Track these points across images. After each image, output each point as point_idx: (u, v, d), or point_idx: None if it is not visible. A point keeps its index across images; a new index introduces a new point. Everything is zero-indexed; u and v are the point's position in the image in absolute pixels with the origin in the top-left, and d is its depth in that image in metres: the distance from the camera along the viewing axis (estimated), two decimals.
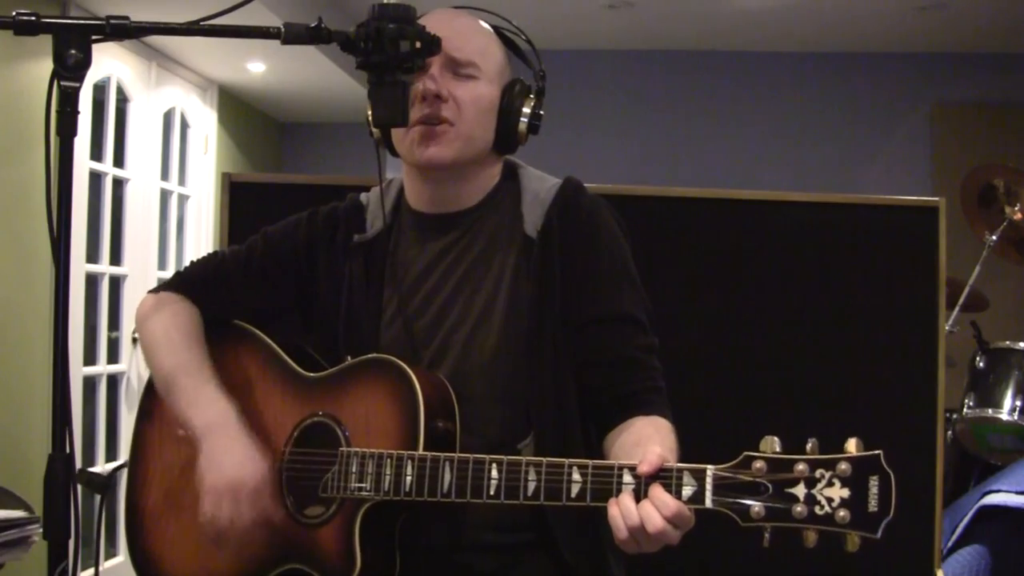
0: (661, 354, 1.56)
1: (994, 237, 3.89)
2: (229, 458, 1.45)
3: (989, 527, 2.69)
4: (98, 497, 2.27)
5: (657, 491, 1.22)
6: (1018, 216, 3.92)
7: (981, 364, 3.68)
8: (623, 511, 1.23)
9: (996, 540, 2.67)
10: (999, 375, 3.62)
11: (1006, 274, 4.56)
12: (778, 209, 2.32)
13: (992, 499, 2.70)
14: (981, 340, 3.76)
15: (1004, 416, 3.54)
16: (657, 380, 1.52)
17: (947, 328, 3.39)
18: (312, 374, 1.55)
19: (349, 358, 1.52)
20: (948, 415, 3.56)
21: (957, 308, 3.82)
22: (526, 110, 1.57)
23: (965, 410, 3.63)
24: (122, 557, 4.22)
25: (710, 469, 1.21)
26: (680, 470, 1.22)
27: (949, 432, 3.64)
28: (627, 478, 1.25)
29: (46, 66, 1.19)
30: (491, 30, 1.60)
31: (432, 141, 1.51)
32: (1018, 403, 3.54)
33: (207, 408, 1.51)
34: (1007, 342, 3.68)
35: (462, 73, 1.52)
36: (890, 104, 5.77)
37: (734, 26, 5.46)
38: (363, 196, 1.67)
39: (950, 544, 2.72)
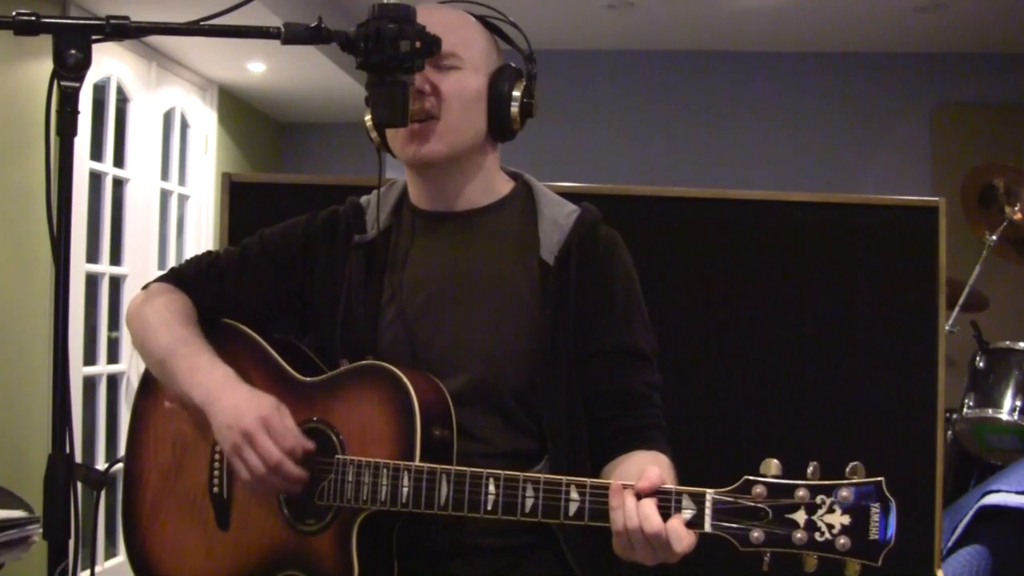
0: (660, 354, 1.56)
1: (994, 237, 3.89)
2: (238, 407, 1.43)
3: (989, 527, 2.69)
4: (95, 494, 2.27)
5: (648, 507, 1.22)
6: (1018, 216, 3.92)
7: (981, 364, 3.68)
8: (626, 511, 1.23)
9: (996, 540, 2.67)
10: (999, 375, 3.62)
11: (1006, 274, 4.56)
12: (778, 209, 2.32)
13: (992, 499, 2.70)
14: (981, 340, 3.76)
15: (1004, 416, 3.54)
16: (660, 418, 1.52)
17: (947, 328, 3.39)
18: (307, 378, 1.53)
19: (345, 362, 1.51)
20: (948, 415, 3.56)
21: (957, 308, 3.82)
22: (516, 93, 1.55)
23: (965, 410, 3.63)
24: (122, 557, 4.22)
25: (709, 493, 1.20)
26: (679, 493, 1.22)
27: (949, 432, 3.64)
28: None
29: (46, 66, 1.19)
30: (473, 20, 1.59)
31: (421, 138, 1.50)
32: (1018, 403, 3.54)
33: (207, 374, 1.49)
34: (1007, 342, 3.68)
35: (443, 65, 1.50)
36: (890, 104, 5.77)
37: (734, 26, 5.46)
38: (363, 199, 1.66)
39: (950, 544, 2.71)
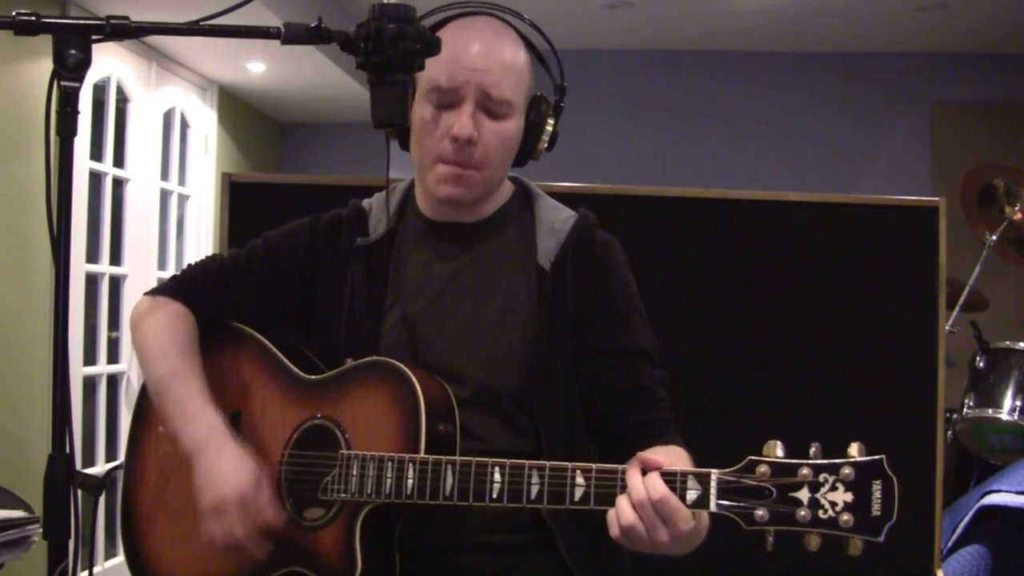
0: (662, 353, 1.57)
1: (994, 237, 3.89)
2: (220, 474, 1.44)
3: (989, 527, 2.69)
4: (95, 499, 2.27)
5: (654, 479, 1.22)
6: (1018, 216, 3.92)
7: (981, 364, 3.68)
8: (618, 508, 1.23)
9: (996, 540, 2.67)
10: (999, 375, 3.62)
11: (1006, 274, 4.56)
12: (778, 209, 2.32)
13: (992, 499, 2.70)
14: (981, 340, 3.76)
15: (1004, 416, 3.54)
16: (668, 411, 1.53)
17: (947, 328, 3.39)
18: (311, 376, 1.54)
19: (349, 361, 1.51)
20: (948, 415, 3.56)
21: (957, 308, 3.82)
22: (548, 128, 1.57)
23: (965, 410, 3.63)
24: (122, 557, 4.22)
25: (714, 473, 1.21)
26: (685, 474, 1.22)
27: (949, 432, 3.63)
28: None
29: (46, 66, 1.19)
30: (520, 44, 1.55)
31: (459, 183, 1.50)
32: (1018, 403, 3.54)
33: (197, 424, 1.50)
34: (1007, 342, 3.68)
35: (496, 112, 1.49)
36: (890, 104, 5.77)
37: (734, 26, 5.46)
38: (365, 202, 1.67)
39: (950, 544, 2.72)
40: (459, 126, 1.46)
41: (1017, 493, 2.69)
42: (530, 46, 1.58)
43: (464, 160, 1.49)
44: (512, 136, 1.53)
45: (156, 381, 1.56)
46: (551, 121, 1.57)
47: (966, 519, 2.72)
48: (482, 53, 1.47)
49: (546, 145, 1.58)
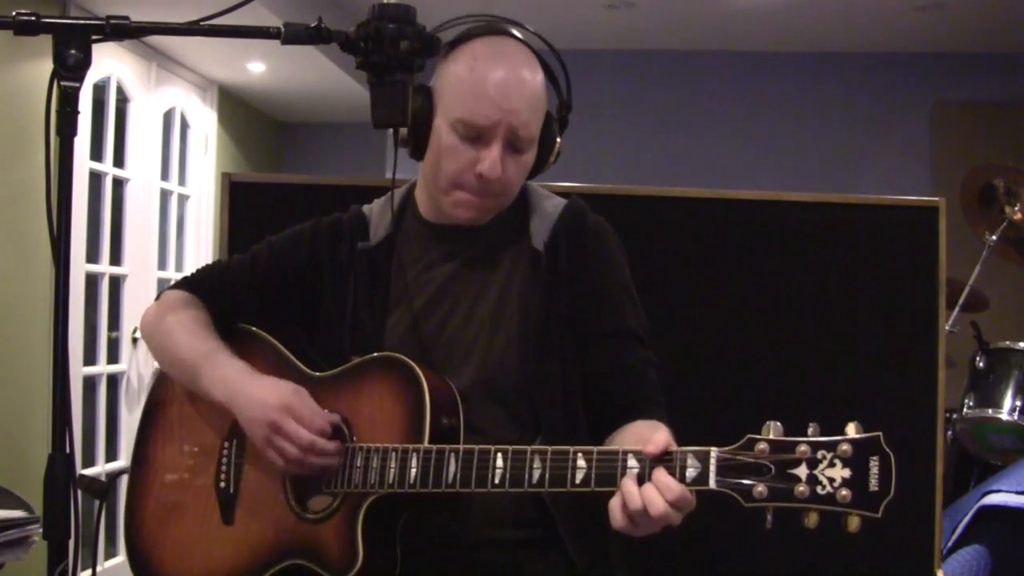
0: (661, 355, 1.57)
1: (994, 237, 3.89)
2: (259, 398, 1.46)
3: (989, 527, 2.69)
4: (98, 503, 2.27)
5: (661, 474, 1.22)
6: (1018, 216, 3.92)
7: (981, 364, 3.68)
8: (625, 494, 1.23)
9: (996, 540, 2.67)
10: (999, 375, 3.62)
11: (1006, 274, 4.55)
12: (778, 209, 2.32)
13: (992, 499, 2.70)
14: (981, 340, 3.76)
15: (1004, 416, 3.54)
16: (657, 393, 1.54)
17: (947, 328, 3.39)
18: (318, 373, 1.56)
19: (355, 358, 1.53)
20: (948, 415, 3.56)
21: (957, 308, 3.82)
22: (555, 148, 1.59)
23: (965, 410, 3.63)
24: (122, 557, 4.22)
25: (714, 451, 1.22)
26: (684, 452, 1.24)
27: (949, 432, 3.64)
28: (631, 462, 1.26)
29: (46, 66, 1.19)
30: (538, 66, 1.55)
31: (476, 209, 1.53)
32: (1018, 403, 3.54)
33: (227, 368, 1.52)
34: (1007, 342, 3.68)
35: (520, 148, 1.51)
36: (890, 104, 5.77)
37: (734, 26, 5.46)
38: (366, 208, 1.68)
39: (950, 544, 2.72)
40: (490, 166, 1.47)
41: (1017, 493, 2.69)
42: (544, 66, 1.58)
43: (485, 192, 1.51)
44: (530, 163, 1.56)
45: (192, 359, 1.56)
46: (559, 140, 1.59)
47: (966, 519, 2.72)
48: (512, 90, 1.48)
49: (551, 161, 1.60)
